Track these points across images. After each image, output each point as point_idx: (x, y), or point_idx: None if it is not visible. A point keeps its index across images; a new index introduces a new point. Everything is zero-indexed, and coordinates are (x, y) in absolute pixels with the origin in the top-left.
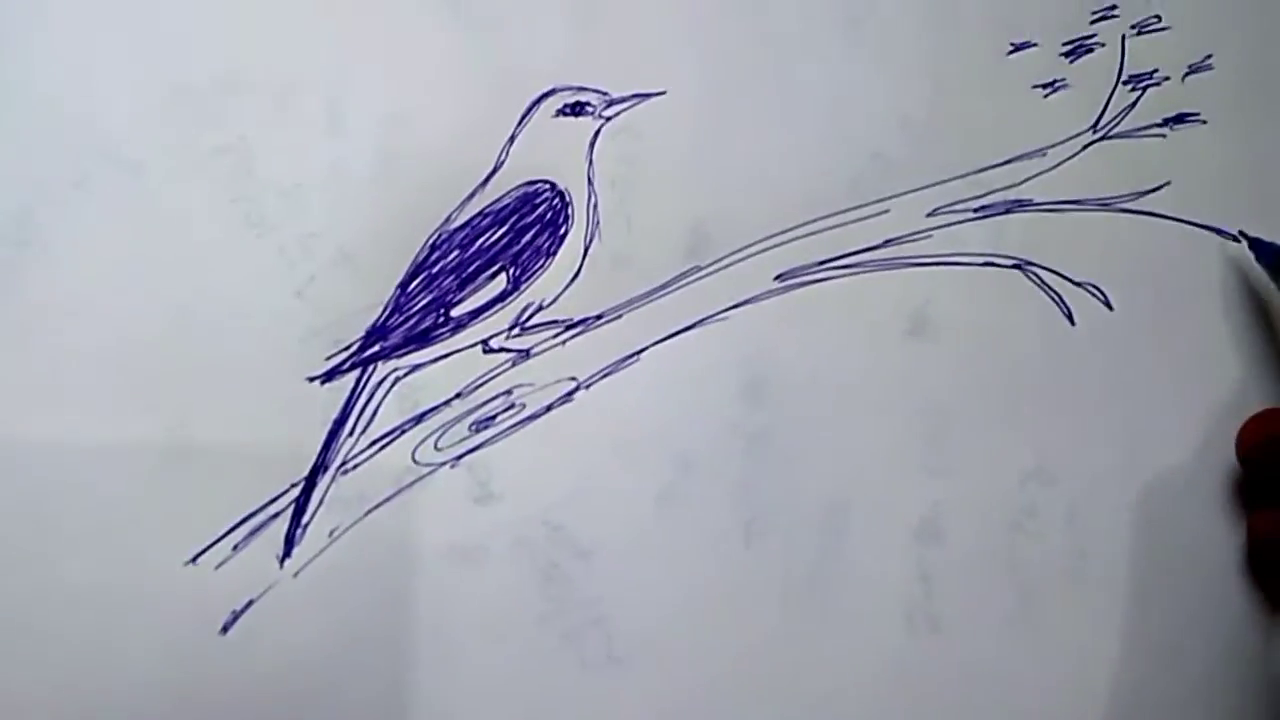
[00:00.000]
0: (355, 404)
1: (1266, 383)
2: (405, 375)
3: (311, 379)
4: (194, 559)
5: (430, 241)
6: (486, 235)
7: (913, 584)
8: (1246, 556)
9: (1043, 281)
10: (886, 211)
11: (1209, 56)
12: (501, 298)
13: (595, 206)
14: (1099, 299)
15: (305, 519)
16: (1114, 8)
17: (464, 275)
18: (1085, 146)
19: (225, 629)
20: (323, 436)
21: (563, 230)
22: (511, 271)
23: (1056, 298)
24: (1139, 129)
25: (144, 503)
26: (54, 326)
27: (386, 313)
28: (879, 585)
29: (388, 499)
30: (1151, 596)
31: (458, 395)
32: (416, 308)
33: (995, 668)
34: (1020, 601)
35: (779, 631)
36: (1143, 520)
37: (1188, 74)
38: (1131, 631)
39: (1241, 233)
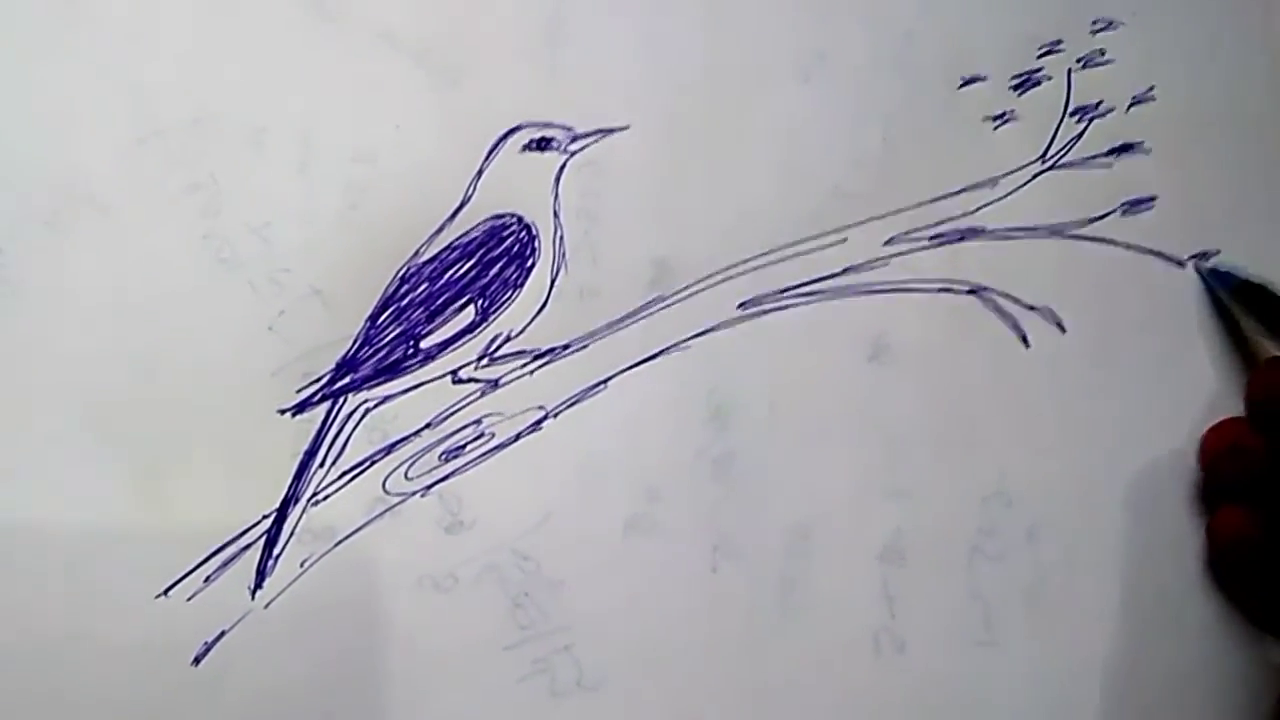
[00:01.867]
0: (326, 435)
1: (1224, 398)
2: (375, 406)
3: (282, 411)
4: (165, 591)
5: (399, 275)
6: (455, 268)
7: (878, 606)
8: (1209, 559)
9: (997, 306)
10: (844, 241)
11: (1152, 88)
12: (470, 329)
13: (561, 239)
14: (1052, 322)
15: (276, 550)
16: (1059, 42)
17: (433, 308)
18: (1035, 176)
19: (197, 660)
20: (293, 468)
21: (529, 262)
22: (480, 303)
23: (1011, 321)
24: (1086, 158)
25: (115, 535)
26: (26, 361)
27: (356, 345)
28: (845, 607)
29: (358, 529)
30: (1114, 610)
31: (427, 425)
32: (386, 340)
33: (961, 687)
34: (983, 621)
35: (747, 655)
36: (1101, 537)
37: (1132, 105)
38: (1096, 646)
39: (1196, 266)
